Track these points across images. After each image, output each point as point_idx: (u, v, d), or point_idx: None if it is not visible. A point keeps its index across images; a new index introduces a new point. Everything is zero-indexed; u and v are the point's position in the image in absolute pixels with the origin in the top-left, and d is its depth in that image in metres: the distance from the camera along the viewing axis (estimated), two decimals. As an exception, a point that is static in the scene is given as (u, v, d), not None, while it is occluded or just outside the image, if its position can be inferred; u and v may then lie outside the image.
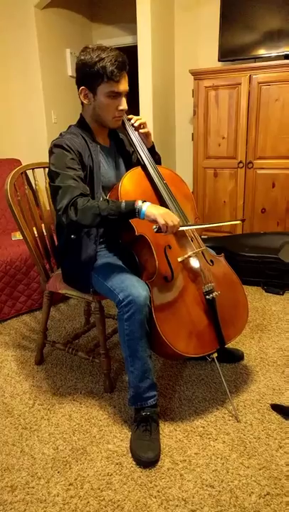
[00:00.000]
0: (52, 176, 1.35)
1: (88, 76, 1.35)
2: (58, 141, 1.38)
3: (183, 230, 1.50)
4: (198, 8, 3.51)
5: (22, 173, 1.68)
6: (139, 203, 1.26)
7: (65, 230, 1.51)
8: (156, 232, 1.27)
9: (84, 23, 4.09)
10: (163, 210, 1.26)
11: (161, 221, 1.23)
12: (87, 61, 1.33)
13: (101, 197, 1.47)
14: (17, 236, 2.53)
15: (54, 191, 1.33)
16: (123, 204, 1.25)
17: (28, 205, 1.73)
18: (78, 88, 1.41)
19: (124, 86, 1.38)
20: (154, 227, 1.26)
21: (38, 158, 3.21)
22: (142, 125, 1.53)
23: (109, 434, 1.41)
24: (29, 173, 1.73)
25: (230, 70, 2.97)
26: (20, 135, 3.60)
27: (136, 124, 1.51)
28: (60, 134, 1.45)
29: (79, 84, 1.40)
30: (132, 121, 1.51)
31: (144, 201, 1.27)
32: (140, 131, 1.53)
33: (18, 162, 3.02)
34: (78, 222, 1.26)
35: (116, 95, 1.38)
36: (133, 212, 1.25)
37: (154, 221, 1.24)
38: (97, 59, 1.32)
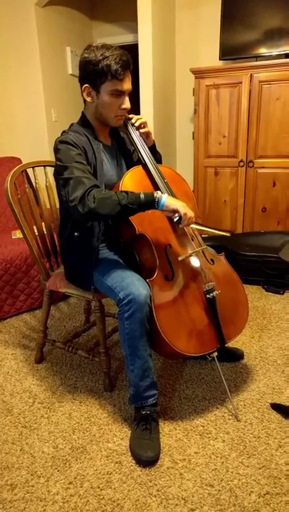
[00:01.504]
0: (59, 170, 1.34)
1: (92, 74, 1.35)
2: (63, 138, 1.38)
3: (183, 229, 1.50)
4: (199, 7, 3.50)
5: (22, 171, 1.68)
6: (159, 193, 1.30)
7: (68, 227, 1.50)
8: (176, 221, 1.34)
9: (84, 21, 4.08)
10: (181, 202, 1.33)
11: (182, 211, 1.30)
12: (91, 59, 1.33)
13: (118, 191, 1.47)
14: (17, 234, 2.52)
15: (64, 183, 1.31)
16: (142, 195, 1.28)
17: (28, 204, 1.72)
18: (81, 86, 1.40)
19: (127, 85, 1.38)
20: (176, 216, 1.32)
21: (38, 157, 3.20)
22: (143, 124, 1.53)
23: (109, 432, 1.41)
24: (29, 171, 1.73)
25: (231, 68, 2.96)
26: (21, 133, 3.59)
27: (136, 124, 1.51)
28: (63, 132, 1.45)
29: (82, 81, 1.40)
30: (133, 120, 1.51)
31: (162, 192, 1.31)
32: (141, 130, 1.53)
33: (18, 160, 3.02)
34: (96, 211, 1.25)
35: (119, 94, 1.38)
36: (152, 202, 1.28)
37: (175, 211, 1.30)
38: (101, 57, 1.32)
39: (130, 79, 1.39)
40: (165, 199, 1.29)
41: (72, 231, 1.49)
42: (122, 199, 1.26)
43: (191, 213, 1.33)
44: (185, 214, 1.30)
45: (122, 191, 1.30)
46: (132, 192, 1.29)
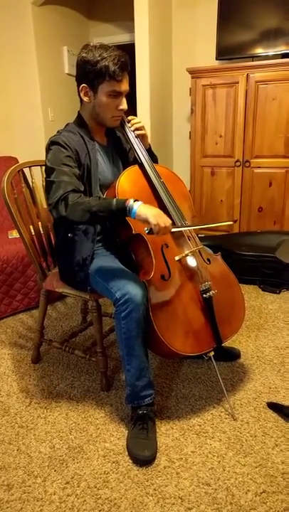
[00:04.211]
0: (47, 172, 1.36)
1: (90, 74, 1.34)
2: (54, 138, 1.38)
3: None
4: (195, 7, 3.50)
5: (19, 170, 1.67)
6: (131, 201, 1.23)
7: (62, 228, 1.51)
8: (148, 233, 1.23)
9: (81, 21, 4.07)
10: (155, 210, 1.24)
11: (153, 221, 1.20)
12: (89, 59, 1.33)
13: (98, 196, 1.47)
14: (14, 234, 2.52)
15: (47, 186, 1.33)
16: (114, 202, 1.24)
17: (24, 203, 1.72)
18: (78, 85, 1.40)
19: (125, 86, 1.38)
20: (146, 228, 1.23)
21: (35, 156, 3.18)
22: (139, 129, 1.53)
23: (105, 432, 1.41)
24: (26, 171, 1.73)
25: (228, 68, 2.97)
26: (17, 133, 3.58)
27: (132, 129, 1.51)
28: (58, 132, 1.45)
29: (79, 81, 1.39)
30: (129, 124, 1.51)
31: (136, 200, 1.24)
32: (137, 132, 1.53)
33: (15, 160, 3.01)
34: (67, 218, 1.25)
35: (117, 95, 1.38)
36: (124, 210, 1.23)
37: (146, 221, 1.21)
38: (99, 58, 1.31)
39: (128, 80, 1.39)
40: (137, 207, 1.21)
41: (66, 232, 1.49)
42: (92, 206, 1.23)
43: (165, 223, 1.22)
44: (156, 224, 1.20)
45: (96, 197, 1.28)
46: (105, 198, 1.27)
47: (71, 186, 1.29)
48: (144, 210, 1.21)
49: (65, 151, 1.36)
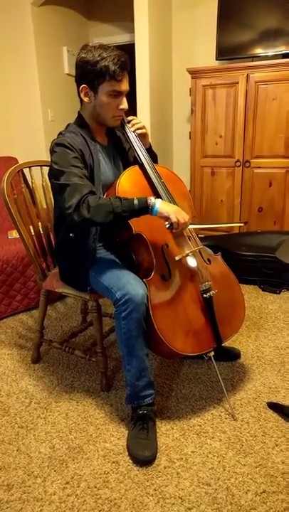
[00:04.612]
0: (55, 174, 1.33)
1: (90, 74, 1.34)
2: (59, 140, 1.37)
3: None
4: (195, 7, 3.50)
5: (19, 171, 1.67)
6: (152, 199, 1.29)
7: (63, 228, 1.50)
8: (168, 228, 1.32)
9: (81, 21, 4.07)
10: (175, 207, 1.31)
11: (174, 218, 1.28)
12: (89, 59, 1.33)
13: (101, 196, 1.47)
14: (13, 234, 2.52)
15: (60, 189, 1.31)
16: (136, 201, 1.28)
17: (24, 204, 1.72)
18: (78, 86, 1.40)
19: (125, 85, 1.38)
20: (167, 223, 1.31)
21: (34, 157, 3.19)
22: (140, 129, 1.53)
23: (106, 432, 1.41)
24: (26, 171, 1.73)
25: (228, 68, 2.97)
26: (17, 133, 3.58)
27: (132, 129, 1.51)
28: (60, 133, 1.44)
29: (79, 82, 1.39)
30: (130, 125, 1.51)
31: (156, 197, 1.31)
32: (138, 131, 1.53)
33: (14, 160, 3.01)
34: (91, 219, 1.26)
35: (117, 94, 1.38)
36: (146, 209, 1.28)
37: (167, 218, 1.29)
38: (99, 58, 1.31)
39: (128, 79, 1.39)
40: (159, 205, 1.28)
41: (67, 232, 1.49)
42: (116, 207, 1.25)
43: (184, 218, 1.31)
44: (176, 221, 1.29)
45: (116, 197, 1.29)
46: (125, 198, 1.28)
47: (87, 188, 1.29)
48: (165, 208, 1.29)
49: (72, 152, 1.35)
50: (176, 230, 1.33)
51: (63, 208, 1.29)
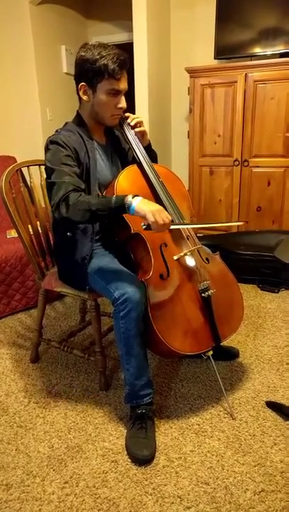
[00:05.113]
0: (47, 172, 1.35)
1: (89, 73, 1.34)
2: (53, 138, 1.38)
3: (179, 228, 1.50)
4: (194, 6, 3.50)
5: (17, 170, 1.67)
6: (129, 198, 1.21)
7: (61, 228, 1.51)
8: (145, 229, 1.22)
9: (79, 20, 4.07)
10: (155, 206, 1.22)
11: (150, 218, 1.18)
12: (88, 58, 1.33)
13: (97, 195, 1.47)
14: (12, 234, 2.51)
15: (49, 187, 1.33)
16: (113, 199, 1.23)
17: (23, 203, 1.72)
18: (77, 84, 1.40)
19: (124, 84, 1.38)
20: (143, 224, 1.21)
21: (33, 156, 3.17)
22: (139, 124, 1.53)
23: (104, 432, 1.41)
24: (24, 170, 1.72)
25: (226, 68, 2.97)
26: (16, 132, 3.57)
27: (132, 123, 1.51)
28: (56, 131, 1.44)
29: (78, 80, 1.39)
30: (129, 120, 1.51)
31: (134, 196, 1.22)
32: (136, 129, 1.53)
33: (13, 159, 3.01)
34: (69, 218, 1.25)
35: (116, 93, 1.38)
36: (123, 207, 1.21)
37: (144, 217, 1.20)
38: (98, 56, 1.32)
39: (126, 78, 1.39)
40: (136, 204, 1.20)
41: (65, 231, 1.49)
42: (92, 205, 1.22)
43: (164, 219, 1.20)
44: (154, 222, 1.18)
45: (96, 195, 1.28)
46: (105, 197, 1.27)
47: (72, 186, 1.28)
48: (143, 207, 1.20)
49: (64, 150, 1.36)
50: (155, 231, 1.22)
51: (51, 206, 1.30)
